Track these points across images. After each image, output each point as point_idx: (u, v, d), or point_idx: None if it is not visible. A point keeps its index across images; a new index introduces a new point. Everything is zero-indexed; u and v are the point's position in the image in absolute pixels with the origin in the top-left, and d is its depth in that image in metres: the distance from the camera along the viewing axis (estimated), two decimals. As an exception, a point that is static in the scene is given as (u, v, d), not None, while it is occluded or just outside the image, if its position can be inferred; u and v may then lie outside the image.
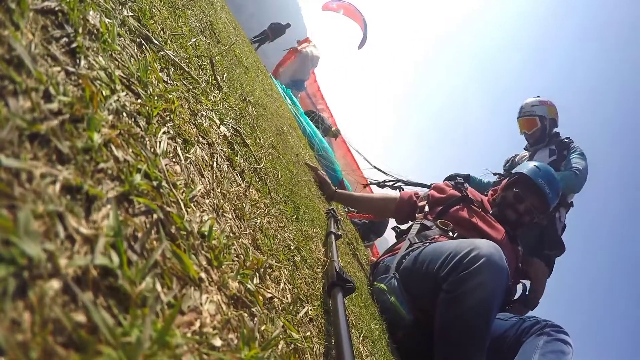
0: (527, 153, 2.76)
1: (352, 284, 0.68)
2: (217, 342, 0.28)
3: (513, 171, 1.78)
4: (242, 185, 0.63)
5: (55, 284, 0.19)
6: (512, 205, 1.63)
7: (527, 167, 1.72)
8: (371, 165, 3.03)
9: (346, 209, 2.60)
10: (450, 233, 1.47)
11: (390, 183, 2.69)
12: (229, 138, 0.71)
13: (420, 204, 1.72)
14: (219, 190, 0.50)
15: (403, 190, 2.52)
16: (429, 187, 1.96)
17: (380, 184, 2.78)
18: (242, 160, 0.71)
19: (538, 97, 2.83)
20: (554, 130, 2.72)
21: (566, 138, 2.64)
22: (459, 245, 1.13)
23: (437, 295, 1.11)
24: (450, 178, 2.07)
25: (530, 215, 1.64)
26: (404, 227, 1.74)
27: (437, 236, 1.44)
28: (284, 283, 0.52)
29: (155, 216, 0.30)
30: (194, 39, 0.91)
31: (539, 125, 2.70)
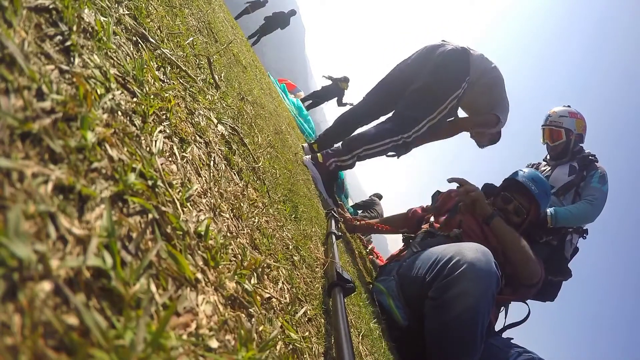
0: (549, 167, 2.53)
1: (352, 284, 0.68)
2: (214, 344, 0.28)
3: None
4: (240, 185, 0.62)
5: (46, 286, 0.19)
6: (502, 207, 1.68)
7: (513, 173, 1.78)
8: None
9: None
10: (456, 239, 1.47)
11: None
12: (227, 137, 0.71)
13: (427, 215, 1.79)
14: (216, 189, 0.50)
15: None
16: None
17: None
18: (239, 160, 0.70)
19: (568, 107, 2.56)
20: (579, 145, 2.47)
21: (591, 155, 2.39)
22: (444, 251, 1.12)
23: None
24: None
25: (521, 215, 1.66)
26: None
27: (438, 243, 1.44)
28: (282, 283, 0.52)
29: (150, 216, 0.30)
30: (192, 38, 0.90)
31: (563, 138, 2.45)
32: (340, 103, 7.82)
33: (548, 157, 2.60)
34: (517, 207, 1.65)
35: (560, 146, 2.47)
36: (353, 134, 1.89)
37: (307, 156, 1.84)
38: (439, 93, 1.80)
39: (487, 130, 2.09)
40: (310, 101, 7.96)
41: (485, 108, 2.03)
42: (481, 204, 1.54)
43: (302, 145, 2.17)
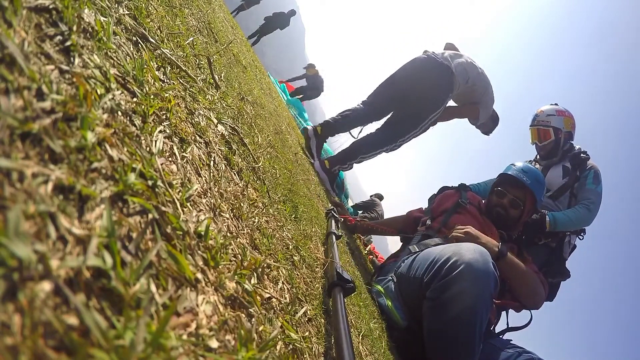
0: (539, 166, 2.52)
1: (352, 284, 0.68)
2: (214, 344, 0.28)
3: None
4: (240, 185, 0.62)
5: (46, 286, 0.19)
6: (498, 202, 1.74)
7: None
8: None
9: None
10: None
11: None
12: (227, 137, 0.71)
13: (423, 218, 1.81)
14: (216, 189, 0.50)
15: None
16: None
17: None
18: (239, 160, 0.70)
19: (555, 105, 2.56)
20: (569, 143, 2.46)
21: (582, 153, 2.38)
22: (442, 251, 1.12)
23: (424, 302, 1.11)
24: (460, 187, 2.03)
25: (517, 208, 1.70)
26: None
27: (435, 244, 1.45)
28: (283, 283, 0.52)
29: (150, 216, 0.30)
30: (192, 38, 0.90)
31: (552, 137, 2.44)
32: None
33: (538, 157, 2.60)
34: (512, 199, 1.70)
35: (550, 145, 2.47)
36: (350, 146, 2.42)
37: (317, 162, 2.35)
38: (422, 114, 2.32)
39: (471, 120, 2.55)
40: (302, 95, 8.08)
41: (466, 102, 2.50)
42: (485, 240, 1.40)
43: (307, 127, 2.46)
